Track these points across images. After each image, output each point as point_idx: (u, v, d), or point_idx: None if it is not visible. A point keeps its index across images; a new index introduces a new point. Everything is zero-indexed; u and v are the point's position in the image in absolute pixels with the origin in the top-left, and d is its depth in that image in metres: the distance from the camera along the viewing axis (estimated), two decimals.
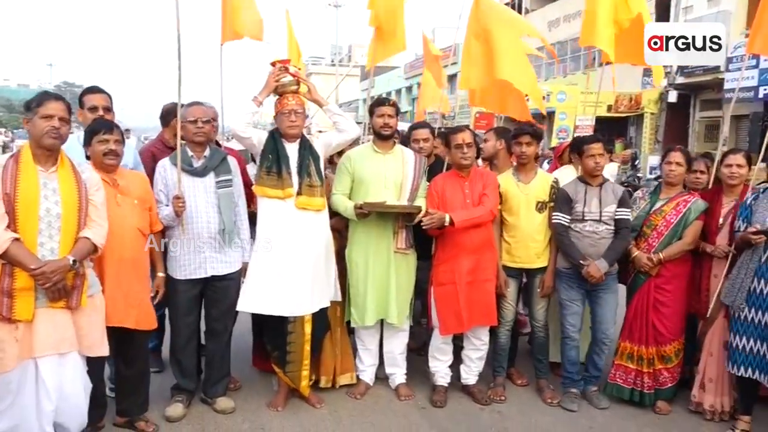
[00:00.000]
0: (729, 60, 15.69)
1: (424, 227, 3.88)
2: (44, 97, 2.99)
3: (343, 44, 58.77)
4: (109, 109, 3.80)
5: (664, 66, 17.93)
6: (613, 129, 19.98)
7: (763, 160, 4.17)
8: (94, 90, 3.83)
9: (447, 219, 3.84)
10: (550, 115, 20.00)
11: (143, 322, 3.46)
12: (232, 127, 3.80)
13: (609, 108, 19.14)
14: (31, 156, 2.92)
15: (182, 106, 3.74)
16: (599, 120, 17.60)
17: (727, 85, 16.05)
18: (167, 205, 3.64)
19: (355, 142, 4.36)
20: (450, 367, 4.26)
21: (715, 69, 16.43)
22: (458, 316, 3.96)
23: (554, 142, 17.21)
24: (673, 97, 18.03)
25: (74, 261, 2.91)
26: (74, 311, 2.97)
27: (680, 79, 17.68)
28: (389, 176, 4.04)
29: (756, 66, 15.08)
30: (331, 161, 4.50)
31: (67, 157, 3.05)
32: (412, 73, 35.39)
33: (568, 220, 4.03)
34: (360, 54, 53.02)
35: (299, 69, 4.02)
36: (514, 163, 4.43)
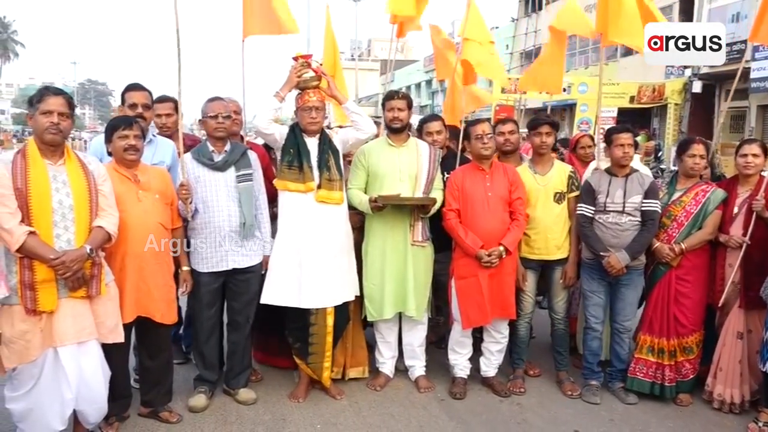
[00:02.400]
0: (755, 48, 15.40)
1: (484, 264, 3.89)
2: (44, 92, 3.02)
3: (363, 39, 58.84)
4: (148, 107, 3.89)
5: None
6: (636, 120, 19.72)
7: None
8: (134, 87, 3.93)
9: (503, 251, 3.91)
10: (572, 106, 19.80)
11: (167, 315, 3.53)
12: (255, 123, 3.84)
13: (632, 99, 18.89)
14: (38, 150, 2.97)
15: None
16: (622, 111, 17.44)
17: (753, 75, 15.77)
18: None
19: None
20: (469, 359, 4.27)
21: (741, 58, 16.13)
22: (482, 308, 3.97)
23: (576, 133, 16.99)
24: (697, 87, 17.73)
25: (91, 250, 2.98)
26: (93, 300, 3.05)
27: (705, 69, 17.38)
28: (404, 169, 4.05)
29: None
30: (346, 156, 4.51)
31: (72, 149, 3.10)
32: (432, 67, 35.30)
33: (592, 211, 4.01)
34: (379, 47, 53.00)
35: (320, 64, 4.03)
36: (524, 157, 4.48)
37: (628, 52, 20.98)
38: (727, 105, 9.68)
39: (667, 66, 18.70)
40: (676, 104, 18.70)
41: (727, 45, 15.49)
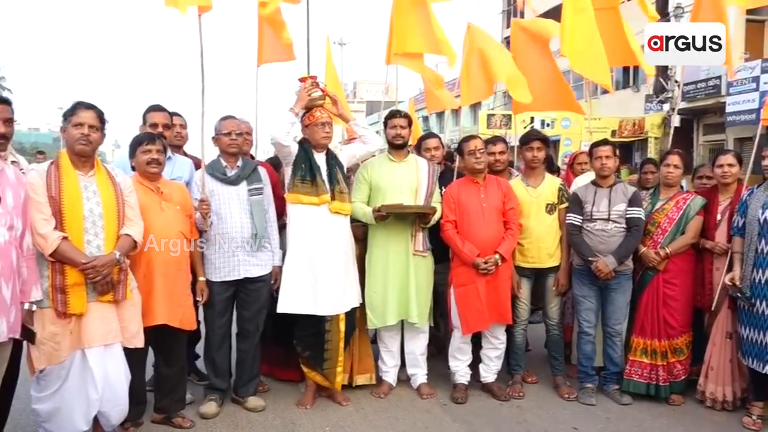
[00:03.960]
0: (729, 84, 16.03)
1: (481, 271, 4.11)
2: (77, 106, 3.23)
3: (349, 81, 59.85)
4: (168, 126, 4.17)
5: (665, 90, 18.21)
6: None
7: (753, 172, 4.44)
8: (155, 108, 4.19)
9: (498, 259, 4.13)
10: (555, 142, 20.34)
11: (186, 322, 3.69)
12: (274, 135, 4.03)
13: (613, 133, 19.43)
14: (70, 162, 3.18)
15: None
16: None
17: (729, 108, 16.36)
18: None
19: None
20: (469, 366, 4.43)
21: (717, 93, 16.76)
22: (480, 313, 4.16)
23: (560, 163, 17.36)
24: (676, 121, 18.30)
25: (120, 255, 3.17)
26: (118, 305, 3.22)
27: (682, 104, 18.01)
28: (404, 183, 4.29)
29: (756, 89, 15.38)
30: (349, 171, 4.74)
31: (101, 162, 3.31)
32: (417, 107, 35.94)
33: (580, 220, 4.26)
34: (365, 90, 54.03)
35: (325, 85, 4.31)
36: (513, 172, 4.82)
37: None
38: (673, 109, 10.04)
39: (646, 102, 19.36)
40: (656, 138, 19.24)
41: (703, 81, 15.95)
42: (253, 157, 4.60)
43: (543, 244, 4.37)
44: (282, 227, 4.22)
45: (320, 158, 4.10)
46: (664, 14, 16.20)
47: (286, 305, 4.00)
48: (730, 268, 4.04)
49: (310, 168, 4.01)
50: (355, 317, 4.26)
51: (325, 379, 4.14)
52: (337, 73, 6.19)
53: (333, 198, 4.02)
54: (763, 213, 3.78)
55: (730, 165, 4.21)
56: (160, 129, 4.04)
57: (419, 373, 4.49)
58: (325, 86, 4.19)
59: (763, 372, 3.74)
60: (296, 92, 4.15)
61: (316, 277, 3.98)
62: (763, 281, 3.76)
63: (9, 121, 3.06)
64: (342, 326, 4.06)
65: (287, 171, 4.11)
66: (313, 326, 4.04)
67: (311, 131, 4.11)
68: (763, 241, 3.77)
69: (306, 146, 4.10)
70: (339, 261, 4.04)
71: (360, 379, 4.45)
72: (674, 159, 4.30)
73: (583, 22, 4.90)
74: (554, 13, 6.33)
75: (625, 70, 19.88)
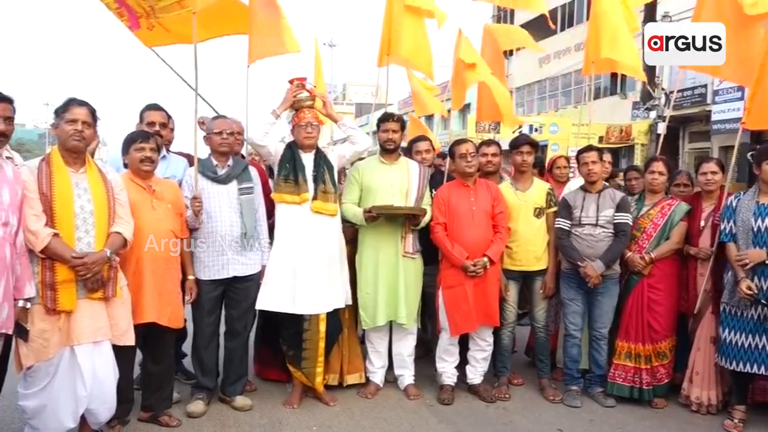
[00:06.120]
0: (715, 93, 16.23)
1: (469, 274, 4.14)
2: (69, 102, 3.24)
3: (338, 82, 59.81)
4: (165, 125, 4.16)
5: (653, 98, 18.38)
6: None
7: (738, 180, 4.50)
8: (152, 107, 4.20)
9: (487, 262, 4.16)
10: (543, 147, 20.49)
11: (174, 320, 3.69)
12: (250, 135, 4.09)
13: (600, 139, 19.60)
14: (61, 159, 3.18)
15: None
16: None
17: (714, 117, 16.57)
18: None
19: None
20: (456, 367, 4.47)
21: (703, 101, 16.97)
22: (468, 315, 4.20)
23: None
24: (662, 128, 18.48)
25: (111, 253, 3.16)
26: (108, 302, 3.21)
27: (669, 112, 18.19)
28: (395, 185, 4.32)
29: (741, 98, 15.57)
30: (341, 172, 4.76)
31: (92, 159, 3.32)
32: (406, 110, 36.08)
33: (569, 225, 4.32)
34: (354, 91, 54.16)
35: (314, 86, 4.32)
36: (504, 176, 4.81)
37: (596, 95, 21.88)
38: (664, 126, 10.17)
39: (633, 109, 19.55)
40: (642, 144, 19.43)
41: (689, 89, 16.10)
42: (243, 157, 4.61)
43: (531, 248, 4.41)
44: (272, 228, 4.23)
45: (307, 158, 4.13)
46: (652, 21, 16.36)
47: (264, 302, 4.03)
48: (714, 273, 4.11)
49: (294, 167, 4.05)
50: (341, 318, 4.28)
51: (306, 378, 4.15)
52: (322, 75, 6.20)
53: (315, 197, 4.04)
54: (755, 221, 3.83)
55: (713, 172, 4.29)
56: (156, 128, 4.04)
57: (406, 374, 4.52)
58: (314, 87, 4.21)
59: (760, 373, 3.79)
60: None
61: (295, 276, 4.00)
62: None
63: (9, 120, 3.07)
64: (322, 327, 4.07)
65: (275, 171, 4.13)
66: (293, 325, 4.07)
67: (296, 132, 4.15)
68: (756, 249, 3.79)
69: (293, 147, 4.14)
70: (321, 261, 4.05)
71: (350, 379, 4.48)
72: (658, 165, 4.37)
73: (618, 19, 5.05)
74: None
75: (613, 76, 20.07)
